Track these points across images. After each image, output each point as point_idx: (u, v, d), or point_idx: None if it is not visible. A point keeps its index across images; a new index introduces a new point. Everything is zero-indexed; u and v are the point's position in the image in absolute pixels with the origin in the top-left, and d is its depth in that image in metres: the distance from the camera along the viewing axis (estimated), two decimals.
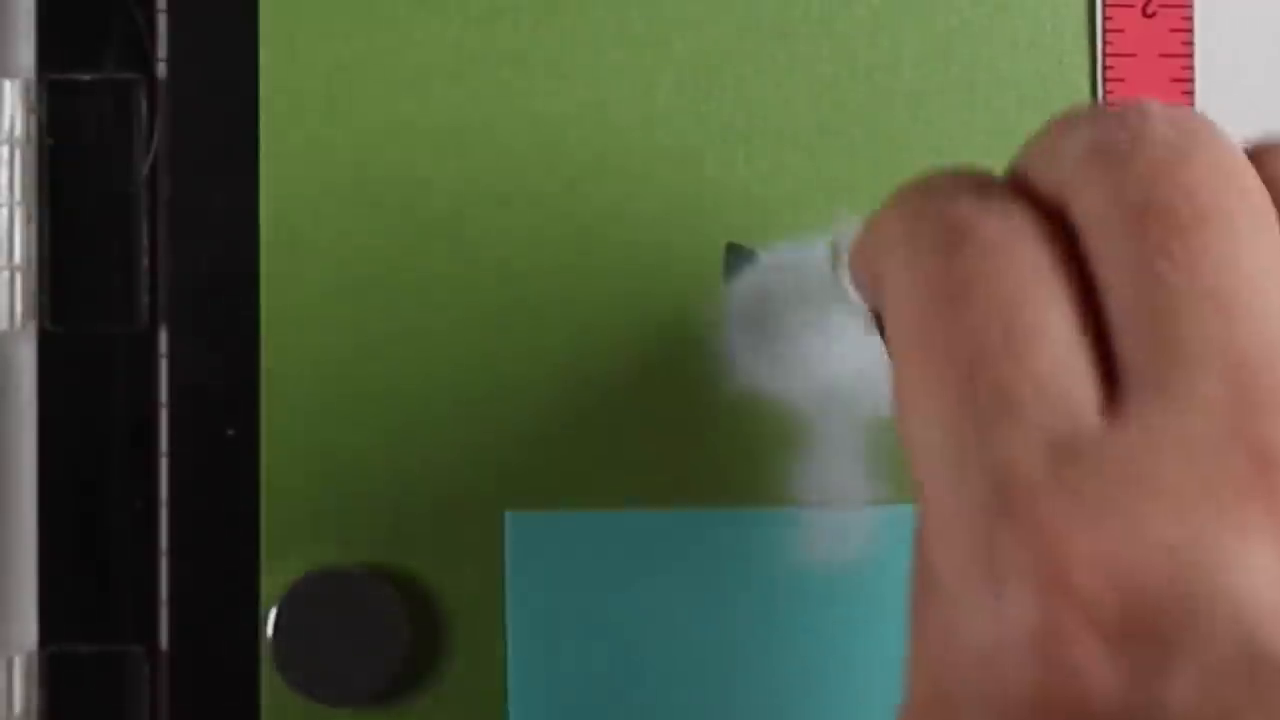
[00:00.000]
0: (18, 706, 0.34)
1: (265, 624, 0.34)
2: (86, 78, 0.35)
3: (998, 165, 0.27)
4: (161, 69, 0.35)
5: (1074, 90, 0.35)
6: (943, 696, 0.25)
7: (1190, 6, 0.35)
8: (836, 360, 0.35)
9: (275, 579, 0.34)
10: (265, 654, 0.34)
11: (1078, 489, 0.22)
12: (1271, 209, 0.24)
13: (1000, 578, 0.23)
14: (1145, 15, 0.35)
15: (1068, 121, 0.26)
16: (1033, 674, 0.22)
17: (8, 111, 0.35)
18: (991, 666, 0.22)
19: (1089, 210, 0.25)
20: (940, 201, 0.25)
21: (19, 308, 0.35)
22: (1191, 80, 0.35)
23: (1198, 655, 0.22)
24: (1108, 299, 0.24)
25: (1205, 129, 0.25)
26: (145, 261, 0.35)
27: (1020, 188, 0.26)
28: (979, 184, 0.26)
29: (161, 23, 0.35)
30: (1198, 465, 0.22)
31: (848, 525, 0.35)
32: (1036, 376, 0.24)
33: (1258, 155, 0.26)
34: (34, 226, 0.35)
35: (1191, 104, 0.35)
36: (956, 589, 0.23)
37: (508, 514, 0.35)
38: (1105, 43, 0.35)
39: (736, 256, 0.35)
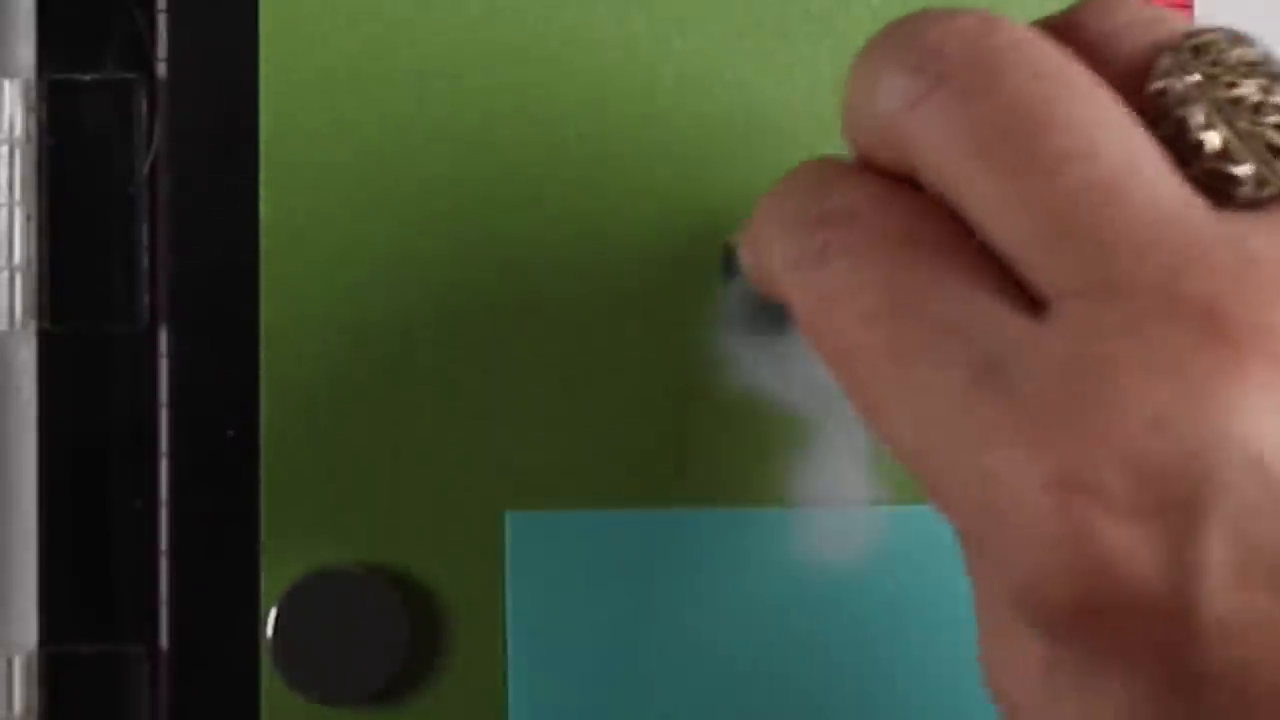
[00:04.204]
0: (18, 706, 0.34)
1: (265, 624, 0.34)
2: (86, 78, 0.35)
3: None
4: (161, 69, 0.35)
5: None
6: (1001, 625, 0.25)
7: (1190, 7, 0.35)
8: None
9: (275, 579, 0.34)
10: (265, 654, 0.34)
11: (1044, 393, 0.22)
12: (1094, 78, 0.24)
13: (1009, 507, 0.22)
14: None
15: (867, 85, 0.26)
16: (1069, 582, 0.22)
17: (8, 111, 0.35)
18: (1030, 587, 0.22)
19: (932, 166, 0.25)
20: (802, 204, 0.26)
21: (19, 308, 0.35)
22: None
23: (1224, 506, 0.22)
24: (992, 235, 0.24)
25: (997, 36, 0.24)
26: (145, 261, 0.35)
27: (867, 164, 0.26)
28: (831, 176, 0.26)
29: (161, 23, 0.35)
30: (1149, 339, 0.22)
31: (848, 525, 0.35)
32: (950, 315, 0.24)
33: (1070, 24, 0.26)
34: (34, 226, 0.35)
35: None
36: (981, 535, 0.23)
37: (508, 514, 0.35)
38: None
39: (736, 256, 0.35)
